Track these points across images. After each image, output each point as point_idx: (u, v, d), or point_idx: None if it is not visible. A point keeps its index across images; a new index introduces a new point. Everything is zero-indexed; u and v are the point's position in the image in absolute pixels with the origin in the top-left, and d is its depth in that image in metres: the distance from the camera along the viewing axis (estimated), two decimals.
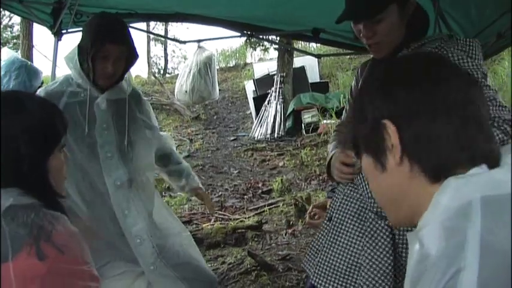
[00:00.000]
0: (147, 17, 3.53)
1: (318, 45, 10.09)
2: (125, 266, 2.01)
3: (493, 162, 0.77)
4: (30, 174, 1.12)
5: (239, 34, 3.61)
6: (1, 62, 3.27)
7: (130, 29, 2.04)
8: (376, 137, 0.80)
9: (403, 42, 1.55)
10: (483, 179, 0.73)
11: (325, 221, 1.64)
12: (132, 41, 1.99)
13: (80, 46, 1.95)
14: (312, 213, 1.94)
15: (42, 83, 3.74)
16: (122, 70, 1.98)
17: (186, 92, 7.31)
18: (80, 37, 1.98)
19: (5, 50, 4.03)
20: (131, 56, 2.00)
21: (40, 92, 2.02)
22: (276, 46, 9.45)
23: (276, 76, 9.88)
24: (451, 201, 0.71)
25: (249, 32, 3.59)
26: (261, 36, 4.36)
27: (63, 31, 3.16)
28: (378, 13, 1.49)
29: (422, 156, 0.78)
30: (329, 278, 1.54)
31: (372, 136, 0.81)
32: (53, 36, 3.16)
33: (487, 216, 0.66)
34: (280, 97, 9.48)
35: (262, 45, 12.37)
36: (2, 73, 3.12)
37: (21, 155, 1.11)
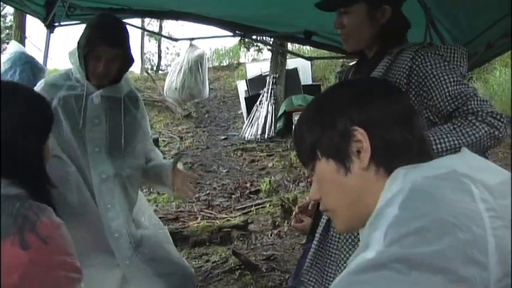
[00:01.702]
0: (141, 14, 3.52)
1: (312, 47, 10.12)
2: (101, 256, 2.00)
3: None
4: (29, 164, 1.14)
5: (231, 34, 3.62)
6: (8, 54, 3.29)
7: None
8: (344, 143, 0.84)
9: (382, 46, 1.60)
10: (430, 164, 0.78)
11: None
12: (129, 44, 2.01)
13: (78, 42, 1.97)
14: (298, 218, 1.90)
15: None
16: (115, 72, 1.99)
17: (176, 88, 7.27)
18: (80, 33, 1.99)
19: (13, 43, 4.04)
20: (126, 59, 2.01)
21: (41, 82, 2.06)
22: (270, 47, 9.46)
23: (268, 77, 9.89)
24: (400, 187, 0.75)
25: (241, 33, 3.60)
26: (254, 37, 4.36)
27: (56, 24, 3.16)
28: (344, 5, 1.59)
29: (389, 160, 0.82)
30: None
31: (339, 141, 0.85)
32: (45, 28, 3.16)
33: (412, 192, 0.69)
34: (272, 98, 9.50)
35: (256, 46, 12.38)
36: (8, 66, 3.13)
37: (16, 145, 1.13)
